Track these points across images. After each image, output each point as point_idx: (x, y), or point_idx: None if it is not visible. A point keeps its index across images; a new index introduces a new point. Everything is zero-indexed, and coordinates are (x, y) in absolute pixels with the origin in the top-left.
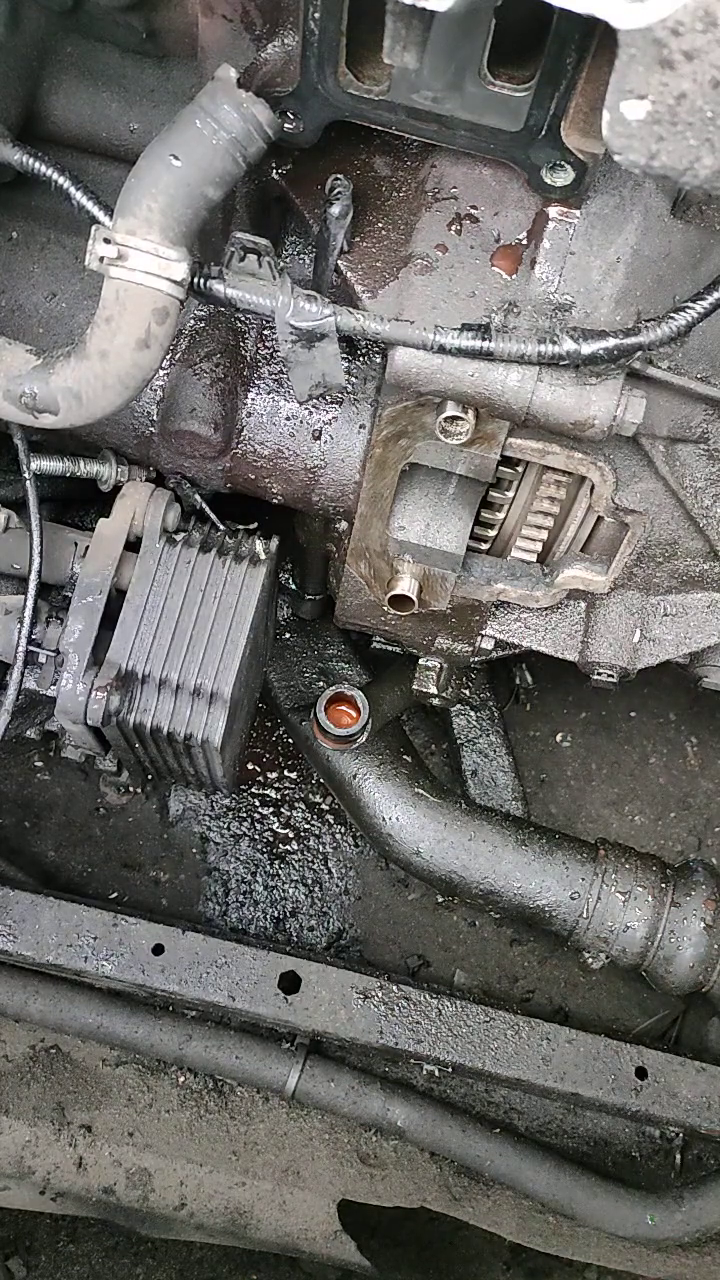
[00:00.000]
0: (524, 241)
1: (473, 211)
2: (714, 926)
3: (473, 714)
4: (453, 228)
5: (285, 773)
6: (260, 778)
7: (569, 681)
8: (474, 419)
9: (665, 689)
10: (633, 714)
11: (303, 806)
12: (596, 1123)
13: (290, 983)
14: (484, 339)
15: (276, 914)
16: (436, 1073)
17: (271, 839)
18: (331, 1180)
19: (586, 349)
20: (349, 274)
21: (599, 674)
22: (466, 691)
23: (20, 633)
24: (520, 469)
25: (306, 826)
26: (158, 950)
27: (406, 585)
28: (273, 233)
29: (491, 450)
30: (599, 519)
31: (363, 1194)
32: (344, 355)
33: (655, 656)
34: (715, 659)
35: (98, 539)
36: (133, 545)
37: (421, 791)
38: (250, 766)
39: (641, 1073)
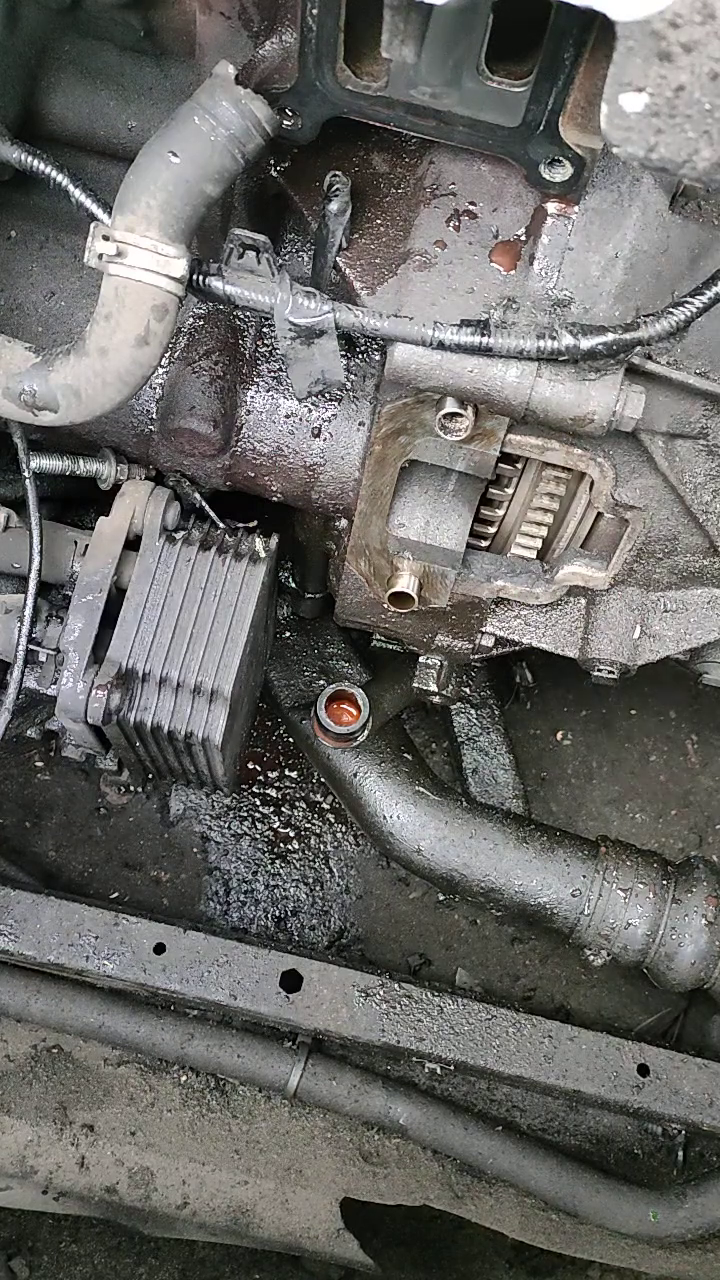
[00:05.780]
0: (522, 237)
1: (471, 207)
2: (715, 923)
3: (473, 712)
4: (451, 224)
5: (286, 772)
6: (261, 777)
7: (569, 679)
8: (473, 415)
9: (665, 686)
10: (633, 711)
11: (303, 805)
12: (599, 1120)
13: (292, 981)
14: (483, 335)
15: (278, 913)
16: (438, 1071)
17: (272, 838)
18: (334, 1179)
19: (585, 344)
20: (348, 271)
21: (599, 670)
22: (467, 689)
23: (20, 631)
24: (520, 465)
25: (307, 825)
26: (159, 949)
27: (406, 582)
28: (271, 230)
29: (491, 447)
30: (599, 515)
31: (365, 1192)
32: (343, 352)
33: (655, 653)
34: (715, 655)
35: (97, 537)
36: (132, 544)
37: (422, 790)
38: (251, 765)
39: (643, 1070)
